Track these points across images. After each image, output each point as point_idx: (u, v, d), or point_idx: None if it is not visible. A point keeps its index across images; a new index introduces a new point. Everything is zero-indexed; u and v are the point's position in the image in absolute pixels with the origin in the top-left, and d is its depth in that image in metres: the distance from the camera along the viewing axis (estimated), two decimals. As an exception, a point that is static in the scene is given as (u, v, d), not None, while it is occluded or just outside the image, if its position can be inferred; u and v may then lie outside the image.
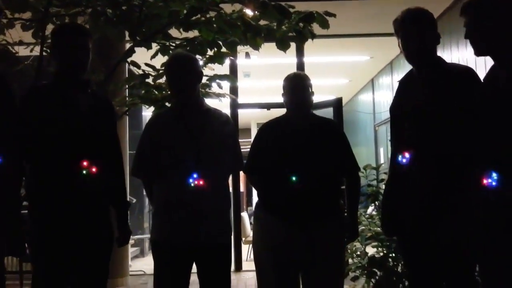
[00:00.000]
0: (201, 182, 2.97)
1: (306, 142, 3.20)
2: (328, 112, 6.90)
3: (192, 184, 2.97)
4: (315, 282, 3.18)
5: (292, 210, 3.11)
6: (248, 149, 3.43)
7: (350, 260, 4.94)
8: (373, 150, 11.57)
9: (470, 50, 6.21)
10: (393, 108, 2.89)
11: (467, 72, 2.64)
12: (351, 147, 3.37)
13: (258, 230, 3.31)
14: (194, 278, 3.13)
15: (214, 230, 3.05)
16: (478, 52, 2.47)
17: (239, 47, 4.17)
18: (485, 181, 2.24)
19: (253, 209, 13.60)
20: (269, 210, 3.22)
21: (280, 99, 3.37)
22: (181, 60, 3.16)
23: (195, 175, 2.97)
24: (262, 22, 4.03)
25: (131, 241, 7.80)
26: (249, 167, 3.38)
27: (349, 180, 3.38)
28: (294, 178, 3.08)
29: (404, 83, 2.86)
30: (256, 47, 4.02)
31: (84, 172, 2.70)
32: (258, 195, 3.37)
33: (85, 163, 2.70)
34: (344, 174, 3.35)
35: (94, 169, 2.72)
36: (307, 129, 3.25)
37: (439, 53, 2.80)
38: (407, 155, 2.68)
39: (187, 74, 3.09)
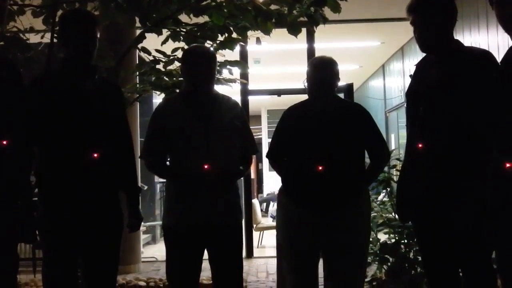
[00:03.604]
0: (210, 166, 2.96)
1: (330, 125, 3.13)
2: (339, 98, 6.86)
3: (202, 169, 2.96)
4: (336, 268, 3.15)
5: (315, 195, 3.06)
6: (260, 136, 3.40)
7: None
8: (384, 137, 11.50)
9: (482, 34, 6.17)
10: (409, 92, 2.86)
11: (484, 55, 2.60)
12: (379, 130, 3.29)
13: (281, 215, 3.28)
14: (205, 265, 3.13)
15: (223, 212, 3.05)
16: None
17: (249, 33, 4.15)
18: (508, 165, 2.21)
19: (264, 195, 13.51)
20: (291, 195, 3.18)
21: (290, 85, 3.33)
22: (205, 56, 3.16)
23: (204, 160, 2.97)
24: (272, 7, 4.00)
25: (143, 228, 7.84)
26: (272, 152, 3.35)
27: (374, 162, 3.29)
28: (317, 162, 3.03)
29: (420, 66, 2.83)
30: (267, 32, 4.00)
31: (93, 157, 2.70)
32: (281, 180, 3.31)
33: (93, 149, 2.70)
34: (373, 158, 3.27)
35: (102, 154, 2.72)
36: (331, 112, 3.17)
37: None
38: (422, 139, 2.65)
39: (209, 71, 3.12)
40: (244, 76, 6.78)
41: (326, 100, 3.21)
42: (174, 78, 4.32)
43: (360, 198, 3.19)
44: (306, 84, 3.24)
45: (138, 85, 4.86)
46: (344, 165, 3.08)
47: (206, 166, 2.96)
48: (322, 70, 3.20)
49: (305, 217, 3.08)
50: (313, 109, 3.22)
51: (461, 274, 2.71)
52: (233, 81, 4.48)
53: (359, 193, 3.18)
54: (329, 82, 3.20)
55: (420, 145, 2.65)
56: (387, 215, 4.93)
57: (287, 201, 3.20)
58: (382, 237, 4.99)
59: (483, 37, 6.19)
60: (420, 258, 4.10)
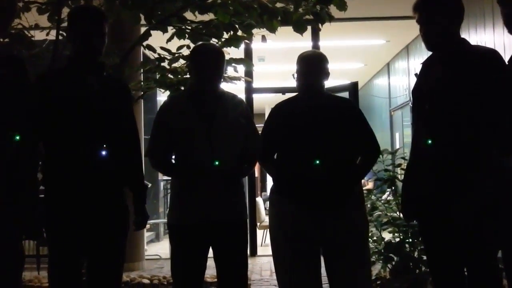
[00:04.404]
0: (215, 163, 2.95)
1: (320, 121, 3.11)
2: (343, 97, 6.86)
3: (207, 167, 2.95)
4: (337, 268, 3.11)
5: (311, 194, 3.04)
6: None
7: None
8: (388, 135, 11.50)
9: (488, 33, 6.15)
10: (415, 90, 2.85)
11: (491, 54, 2.59)
12: (370, 126, 3.26)
13: (274, 215, 3.25)
14: (209, 263, 3.13)
15: (228, 210, 3.04)
16: None
17: (254, 31, 4.14)
18: None
19: (268, 194, 13.56)
20: (283, 194, 3.16)
21: (294, 83, 3.29)
22: (213, 54, 3.13)
23: (209, 158, 2.96)
24: (278, 5, 3.99)
25: (147, 226, 7.85)
26: (263, 153, 3.30)
27: (365, 158, 3.26)
28: (307, 158, 3.01)
29: (426, 65, 2.82)
30: (272, 30, 3.99)
31: (99, 154, 2.70)
32: (272, 180, 3.30)
33: (99, 146, 2.70)
34: (363, 154, 3.25)
35: (109, 152, 2.72)
36: (321, 108, 3.15)
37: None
38: (428, 137, 2.64)
39: (217, 69, 3.10)
40: (249, 74, 6.79)
41: (316, 96, 3.19)
42: (179, 76, 4.32)
43: (355, 195, 3.18)
44: (295, 76, 3.21)
45: (142, 83, 4.86)
46: (336, 161, 3.06)
47: (217, 163, 2.94)
48: (312, 66, 3.18)
49: (302, 216, 3.06)
50: (302, 105, 3.20)
51: (466, 273, 2.70)
52: (238, 79, 4.48)
53: (353, 190, 3.17)
54: (319, 78, 3.18)
55: (425, 144, 2.65)
56: (391, 214, 4.92)
57: (280, 200, 3.17)
58: (387, 236, 4.99)
59: (489, 36, 6.17)
60: (424, 257, 4.10)
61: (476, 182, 2.43)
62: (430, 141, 2.63)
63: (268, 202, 10.82)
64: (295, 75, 3.21)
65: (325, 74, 3.20)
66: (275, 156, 3.30)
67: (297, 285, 3.12)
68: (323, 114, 3.14)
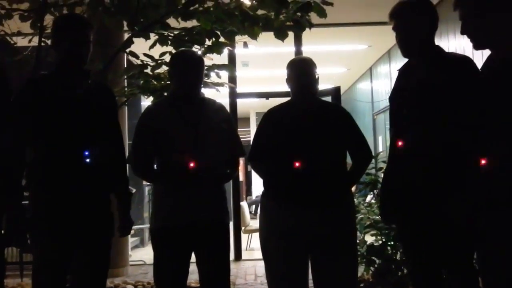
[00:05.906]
0: (199, 168, 2.98)
1: (311, 125, 3.13)
2: (326, 101, 6.90)
3: (190, 172, 2.98)
4: (326, 267, 3.13)
5: (298, 196, 3.05)
6: (248, 138, 3.41)
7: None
8: (371, 139, 11.56)
9: (467, 38, 6.22)
10: (392, 96, 2.90)
11: (465, 61, 2.65)
12: (362, 132, 3.30)
13: (265, 218, 3.26)
14: (193, 268, 3.15)
15: (210, 214, 3.07)
16: (478, 45, 2.48)
17: (237, 37, 4.18)
18: (483, 164, 2.26)
19: (253, 198, 13.43)
20: (274, 197, 3.17)
21: (279, 88, 3.34)
22: (193, 60, 3.17)
23: (193, 163, 2.98)
24: (259, 12, 4.04)
25: (131, 231, 7.83)
26: (253, 154, 3.32)
27: (358, 162, 3.30)
28: (299, 163, 3.02)
29: (403, 71, 2.87)
30: (254, 36, 4.03)
31: (86, 160, 2.72)
32: (263, 183, 3.31)
33: (86, 151, 2.72)
34: (356, 160, 3.28)
35: (95, 157, 2.74)
36: (312, 113, 3.18)
37: (435, 42, 2.80)
38: (406, 141, 2.69)
39: (197, 75, 3.14)
40: (232, 79, 6.82)
41: (308, 102, 3.23)
42: (162, 82, 4.34)
43: (347, 199, 3.20)
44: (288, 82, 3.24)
45: (126, 89, 4.88)
46: (329, 166, 3.09)
47: (192, 164, 2.97)
48: (303, 70, 3.21)
49: (290, 220, 3.07)
50: (294, 109, 3.23)
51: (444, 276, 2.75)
52: (221, 85, 4.51)
53: (347, 194, 3.20)
54: (311, 82, 3.20)
55: (403, 147, 2.69)
56: (374, 217, 4.98)
57: (272, 204, 3.18)
58: (369, 239, 5.04)
59: (468, 40, 6.25)
60: (406, 260, 4.14)
61: (458, 185, 2.46)
62: (409, 144, 2.67)
63: (253, 206, 10.88)
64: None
65: (316, 79, 3.22)
66: (266, 160, 3.30)
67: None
68: (314, 120, 3.16)
